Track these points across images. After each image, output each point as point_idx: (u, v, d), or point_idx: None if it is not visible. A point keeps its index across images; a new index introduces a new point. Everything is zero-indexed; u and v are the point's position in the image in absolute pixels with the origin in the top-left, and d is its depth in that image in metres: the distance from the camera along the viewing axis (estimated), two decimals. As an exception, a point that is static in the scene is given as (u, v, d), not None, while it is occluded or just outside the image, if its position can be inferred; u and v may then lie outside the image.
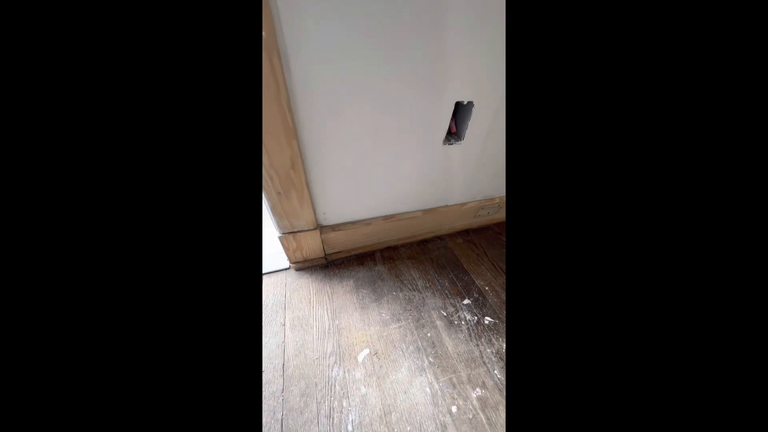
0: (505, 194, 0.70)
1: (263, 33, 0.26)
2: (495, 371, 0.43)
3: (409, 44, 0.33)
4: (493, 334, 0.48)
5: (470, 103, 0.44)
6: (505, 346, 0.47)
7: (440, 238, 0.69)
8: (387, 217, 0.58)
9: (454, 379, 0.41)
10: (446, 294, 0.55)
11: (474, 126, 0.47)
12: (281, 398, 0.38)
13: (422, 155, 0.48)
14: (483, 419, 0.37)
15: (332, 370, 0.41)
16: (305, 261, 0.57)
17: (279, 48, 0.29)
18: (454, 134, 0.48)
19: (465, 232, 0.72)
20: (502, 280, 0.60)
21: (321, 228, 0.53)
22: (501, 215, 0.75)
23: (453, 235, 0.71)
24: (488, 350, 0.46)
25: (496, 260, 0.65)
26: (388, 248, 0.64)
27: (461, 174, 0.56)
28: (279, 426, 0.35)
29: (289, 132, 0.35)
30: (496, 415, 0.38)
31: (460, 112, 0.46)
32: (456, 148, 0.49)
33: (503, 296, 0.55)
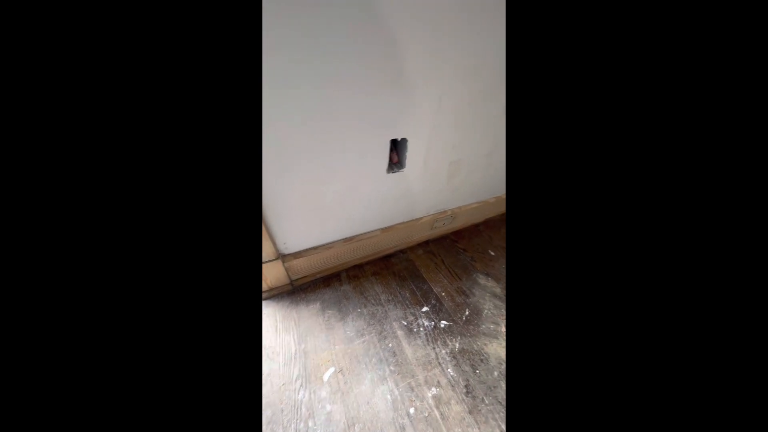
0: (454, 207, 0.79)
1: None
2: (448, 369, 0.48)
3: (347, 97, 0.40)
4: (447, 336, 0.54)
5: (404, 139, 0.51)
6: (458, 345, 0.53)
7: (402, 251, 0.75)
8: (347, 239, 0.62)
9: (413, 383, 0.46)
10: (407, 304, 0.60)
11: (412, 156, 0.55)
12: (249, 430, 0.39)
13: (370, 183, 0.55)
14: (437, 415, 0.42)
15: (298, 394, 0.43)
16: (271, 290, 0.59)
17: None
18: (396, 163, 0.56)
19: (425, 243, 0.79)
20: (458, 284, 0.67)
21: (283, 257, 0.56)
22: (455, 224, 0.84)
23: (414, 247, 0.77)
24: (443, 351, 0.51)
25: (452, 267, 0.72)
26: (354, 267, 0.69)
27: (409, 194, 0.63)
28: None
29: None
30: (448, 409, 0.43)
31: (400, 146, 0.54)
32: (400, 174, 0.57)
33: (457, 299, 0.62)
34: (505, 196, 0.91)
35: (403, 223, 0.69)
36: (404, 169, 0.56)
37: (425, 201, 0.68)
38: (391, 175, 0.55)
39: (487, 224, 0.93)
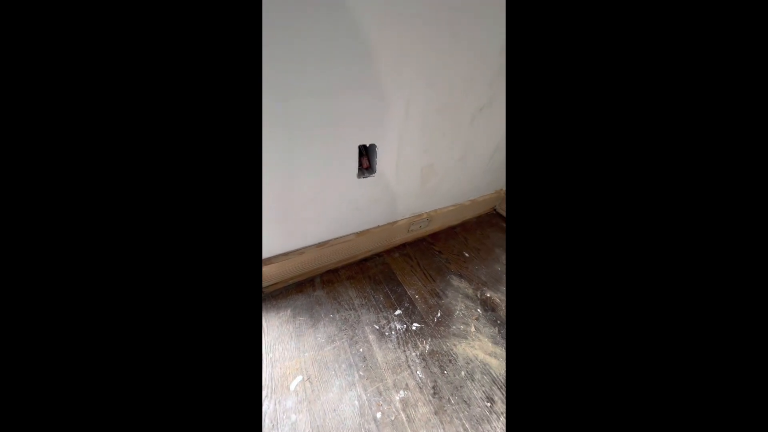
0: (430, 210, 0.80)
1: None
2: (417, 372, 0.49)
3: (310, 103, 0.39)
4: (418, 338, 0.55)
5: (373, 145, 0.52)
6: (428, 347, 0.54)
7: (379, 254, 0.76)
8: (320, 244, 0.62)
9: (381, 387, 0.46)
10: (380, 308, 0.60)
11: (383, 161, 0.55)
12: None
13: (341, 188, 0.54)
14: (404, 418, 0.43)
15: (265, 403, 0.42)
16: (240, 297, 0.57)
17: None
18: (367, 169, 0.56)
19: (402, 246, 0.80)
20: (431, 286, 0.68)
21: (251, 263, 0.54)
22: (432, 227, 0.86)
23: (391, 251, 0.78)
24: (413, 354, 0.52)
25: (427, 269, 0.73)
26: (328, 272, 0.68)
27: (383, 199, 0.63)
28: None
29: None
30: (414, 411, 0.44)
31: (369, 151, 0.54)
32: (371, 179, 0.57)
33: (430, 301, 0.63)
34: (479, 199, 0.94)
35: (378, 226, 0.70)
36: (375, 174, 0.56)
37: (400, 205, 0.69)
38: (363, 180, 0.55)
39: (464, 226, 0.95)
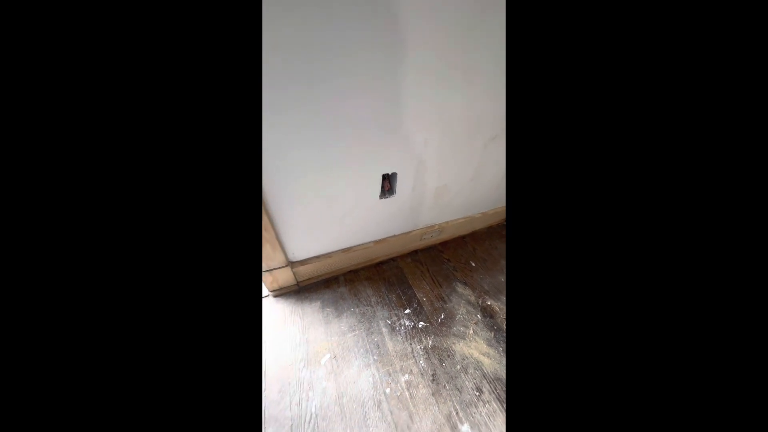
0: (441, 221, 0.89)
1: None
2: (420, 361, 0.60)
3: (347, 145, 0.50)
4: (423, 335, 0.66)
5: (394, 173, 0.61)
6: (431, 342, 0.64)
7: (393, 259, 0.86)
8: (345, 250, 0.74)
9: (390, 370, 0.58)
10: (392, 306, 0.71)
11: (401, 184, 0.65)
12: (264, 395, 0.52)
13: (366, 206, 0.65)
14: (407, 395, 0.54)
15: (301, 372, 0.56)
16: (281, 289, 0.71)
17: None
18: (388, 190, 0.66)
19: (414, 252, 0.90)
20: (438, 291, 0.78)
21: (291, 264, 0.67)
22: (443, 236, 0.94)
23: (404, 256, 0.88)
24: (418, 347, 0.63)
25: (435, 275, 0.83)
26: (350, 272, 0.80)
27: (400, 214, 0.73)
28: (264, 419, 0.49)
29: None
30: (416, 391, 0.55)
31: (391, 177, 0.64)
32: (391, 199, 0.67)
33: (436, 304, 0.73)
34: (490, 212, 1.00)
35: (394, 236, 0.80)
36: (395, 195, 0.66)
37: (415, 218, 0.79)
38: (384, 199, 0.65)
39: (473, 236, 1.02)
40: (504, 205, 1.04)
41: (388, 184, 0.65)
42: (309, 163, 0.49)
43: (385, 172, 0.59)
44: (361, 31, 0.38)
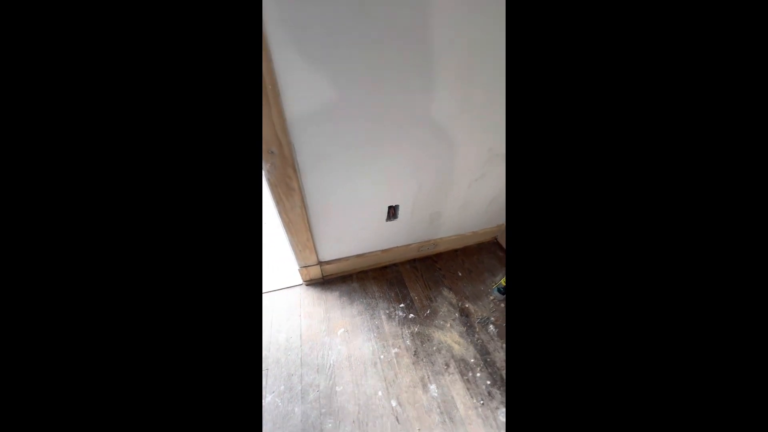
0: (437, 237, 1.10)
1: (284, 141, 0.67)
2: (407, 341, 0.83)
3: (366, 187, 0.74)
4: (411, 323, 0.89)
5: (397, 205, 0.84)
6: (416, 329, 0.87)
7: (395, 265, 1.10)
8: (358, 255, 0.98)
9: (385, 344, 0.82)
10: (391, 300, 0.95)
11: (403, 212, 0.88)
12: (300, 351, 0.78)
13: (375, 226, 0.89)
14: (395, 362, 0.78)
15: (324, 338, 0.82)
16: (311, 280, 0.98)
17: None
18: (393, 215, 0.89)
19: (413, 261, 1.13)
20: (427, 292, 1.00)
21: (320, 263, 0.94)
22: (438, 249, 1.16)
23: (404, 263, 1.11)
24: (406, 331, 0.86)
25: (427, 280, 1.05)
26: (361, 272, 1.05)
27: (401, 232, 0.96)
28: (300, 362, 0.76)
29: (306, 225, 0.76)
30: (401, 360, 0.78)
31: (395, 207, 0.87)
32: (395, 222, 0.90)
33: (424, 302, 0.96)
34: (480, 231, 1.19)
35: (396, 247, 1.03)
36: (397, 219, 0.89)
37: (413, 235, 1.01)
38: (389, 222, 0.89)
39: (465, 251, 1.22)
40: (495, 225, 1.23)
41: (393, 211, 0.88)
42: (340, 195, 0.74)
43: (390, 204, 0.83)
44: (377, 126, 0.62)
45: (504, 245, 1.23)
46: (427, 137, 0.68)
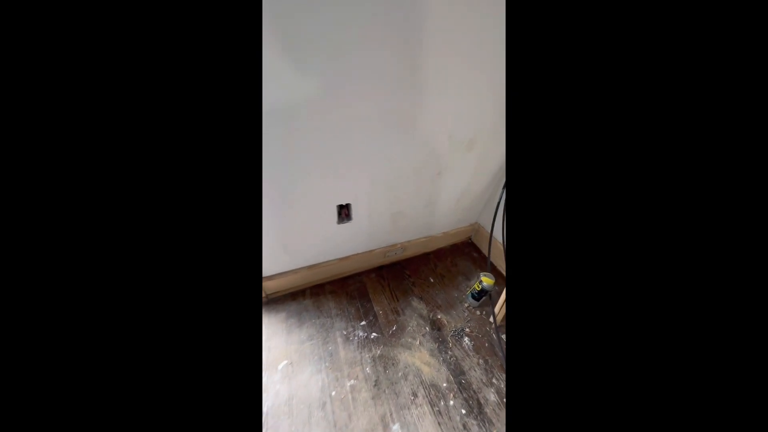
0: (404, 241, 0.98)
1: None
2: (366, 368, 0.68)
3: (306, 180, 0.60)
4: (374, 345, 0.74)
5: (348, 204, 0.71)
6: (379, 352, 0.72)
7: (359, 274, 0.95)
8: (310, 266, 0.83)
9: (339, 375, 0.66)
10: (350, 318, 0.80)
11: (357, 212, 0.75)
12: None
13: (326, 230, 0.75)
14: (350, 398, 0.62)
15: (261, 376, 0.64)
16: (251, 300, 0.80)
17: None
18: (346, 216, 0.76)
19: (379, 268, 0.99)
20: (394, 305, 0.86)
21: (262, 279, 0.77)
22: (407, 254, 1.04)
23: (369, 272, 0.97)
24: (367, 356, 0.71)
25: (395, 290, 0.92)
26: (316, 286, 0.89)
27: (359, 236, 0.83)
28: (222, 413, 0.58)
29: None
30: (358, 394, 0.63)
31: (347, 207, 0.74)
32: (349, 224, 0.77)
33: (390, 317, 0.82)
34: (451, 231, 1.10)
35: (357, 254, 0.90)
36: (352, 221, 0.76)
37: (375, 239, 0.88)
38: (342, 224, 0.75)
39: (437, 254, 1.12)
40: (467, 224, 1.14)
41: (345, 211, 0.75)
42: (276, 192, 0.60)
43: (340, 203, 0.69)
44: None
45: (479, 245, 1.14)
46: (374, 122, 0.57)
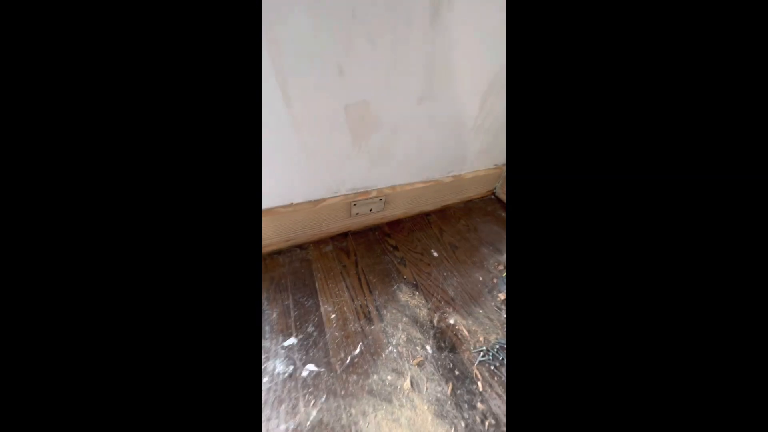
0: (384, 186, 0.55)
1: None
2: None
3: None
4: (307, 394, 0.33)
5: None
6: (314, 414, 0.31)
7: (302, 246, 0.53)
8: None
9: None
10: (267, 330, 0.38)
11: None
12: None
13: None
14: None
15: None
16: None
17: None
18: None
19: (342, 236, 0.57)
20: (363, 300, 0.44)
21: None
22: (392, 212, 0.61)
23: (321, 242, 0.55)
24: (282, 427, 0.30)
25: (367, 272, 0.49)
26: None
27: (301, 166, 0.39)
28: None
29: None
30: None
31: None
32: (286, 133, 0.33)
33: (352, 326, 0.40)
34: (468, 175, 0.66)
35: (292, 204, 0.47)
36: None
37: (326, 172, 0.45)
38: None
39: (443, 213, 0.69)
40: (492, 165, 0.70)
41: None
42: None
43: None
44: None
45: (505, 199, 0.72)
46: None
